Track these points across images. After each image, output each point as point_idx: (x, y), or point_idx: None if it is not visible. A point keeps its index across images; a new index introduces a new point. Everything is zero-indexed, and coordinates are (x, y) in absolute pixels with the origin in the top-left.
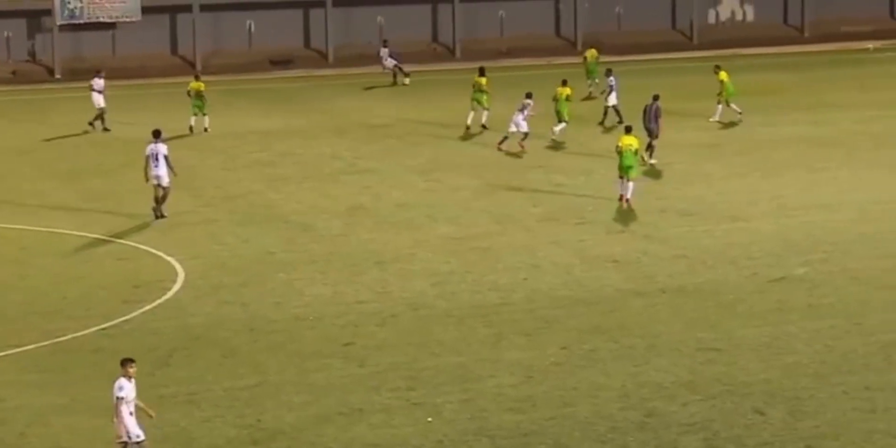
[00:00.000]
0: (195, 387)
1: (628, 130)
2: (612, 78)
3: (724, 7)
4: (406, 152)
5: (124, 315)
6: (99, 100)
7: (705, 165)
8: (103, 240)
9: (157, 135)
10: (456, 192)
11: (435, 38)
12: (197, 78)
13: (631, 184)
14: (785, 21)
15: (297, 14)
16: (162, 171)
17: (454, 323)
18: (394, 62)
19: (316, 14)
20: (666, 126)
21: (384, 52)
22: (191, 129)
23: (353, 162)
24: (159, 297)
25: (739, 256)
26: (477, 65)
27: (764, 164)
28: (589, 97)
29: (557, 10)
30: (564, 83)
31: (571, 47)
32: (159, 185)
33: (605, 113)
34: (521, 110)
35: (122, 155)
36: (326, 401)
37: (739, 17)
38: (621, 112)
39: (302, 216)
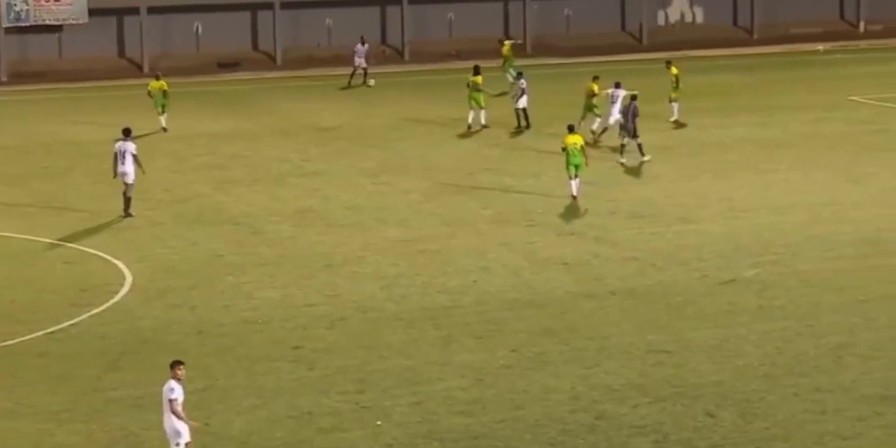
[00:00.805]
0: (143, 390)
1: (571, 129)
2: (522, 81)
3: (674, 9)
4: (355, 155)
5: (72, 319)
6: None
7: (655, 167)
8: (51, 243)
9: (126, 133)
10: (405, 195)
11: (384, 41)
12: (157, 78)
13: (578, 180)
14: (734, 23)
15: (244, 16)
16: (129, 168)
17: (403, 326)
18: (363, 63)
19: (264, 16)
20: (614, 128)
21: (360, 49)
22: (164, 129)
23: (302, 164)
24: (107, 301)
25: (689, 258)
26: (426, 67)
27: (714, 165)
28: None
29: (506, 13)
30: (595, 78)
31: (520, 49)
32: (124, 183)
33: (518, 116)
34: (614, 102)
35: (69, 158)
36: (275, 404)
37: (689, 18)
38: (529, 117)
39: (251, 219)
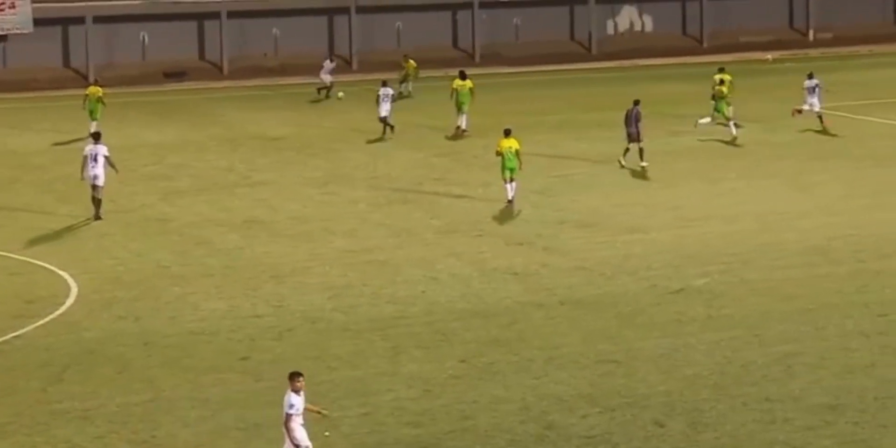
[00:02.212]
0: (89, 403)
1: (507, 133)
2: (388, 89)
3: (623, 18)
4: (302, 164)
5: (16, 330)
6: None
7: (603, 176)
8: None
9: (97, 137)
10: (353, 205)
11: (331, 50)
12: (94, 83)
13: (514, 184)
14: (684, 31)
15: (191, 26)
16: (99, 170)
17: (351, 336)
18: (331, 79)
19: (210, 26)
20: (564, 137)
21: (328, 66)
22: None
23: (249, 174)
24: (52, 312)
25: (638, 268)
26: (374, 76)
27: (662, 174)
28: (403, 96)
29: (454, 22)
30: (722, 81)
31: (469, 59)
32: (95, 185)
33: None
34: (812, 91)
35: (13, 168)
36: (223, 416)
37: (638, 27)
38: (390, 124)
39: (197, 229)
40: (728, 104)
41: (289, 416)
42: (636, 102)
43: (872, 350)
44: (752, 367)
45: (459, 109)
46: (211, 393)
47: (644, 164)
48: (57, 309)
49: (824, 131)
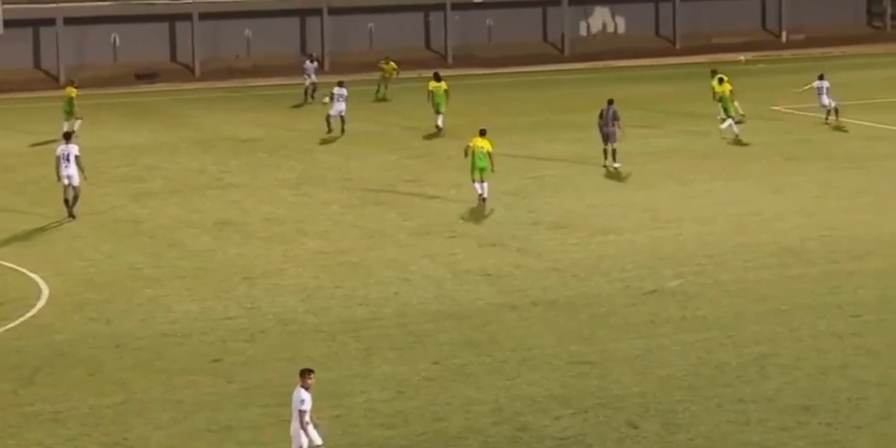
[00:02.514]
0: (60, 405)
1: (482, 133)
2: (343, 89)
3: (596, 19)
4: (275, 166)
5: None
6: None
7: (577, 178)
8: None
9: (67, 137)
10: (326, 207)
11: (303, 51)
12: (70, 83)
13: (486, 183)
14: (657, 33)
15: (162, 27)
16: (73, 170)
17: (324, 338)
18: (314, 79)
19: (182, 27)
20: (537, 139)
21: (310, 67)
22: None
23: (221, 176)
24: (23, 315)
25: (612, 269)
26: (347, 78)
27: (636, 176)
28: (380, 99)
29: (427, 23)
30: (721, 80)
31: (441, 60)
32: (70, 185)
33: (336, 121)
34: (821, 93)
35: None
36: (194, 418)
37: (611, 29)
38: (346, 122)
39: (169, 231)
40: (733, 100)
41: (302, 413)
42: (610, 102)
43: (846, 351)
44: (725, 369)
45: (437, 111)
46: (183, 395)
47: (617, 165)
48: (28, 311)
49: (837, 128)
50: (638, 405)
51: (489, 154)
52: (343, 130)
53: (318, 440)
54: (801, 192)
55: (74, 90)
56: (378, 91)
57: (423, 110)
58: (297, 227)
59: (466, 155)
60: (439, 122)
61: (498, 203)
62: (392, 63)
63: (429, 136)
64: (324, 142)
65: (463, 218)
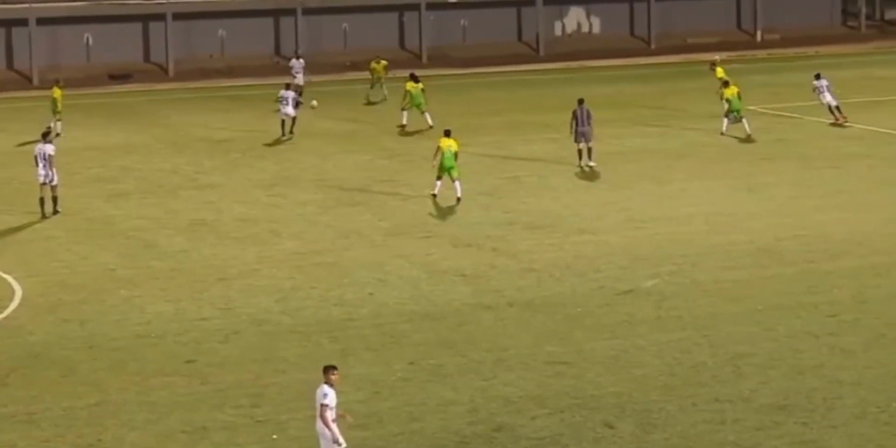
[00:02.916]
0: (34, 406)
1: (447, 134)
2: (289, 92)
3: (571, 19)
4: (249, 167)
5: None
6: None
7: (552, 178)
8: None
9: (45, 135)
10: (300, 207)
11: (277, 52)
12: (56, 84)
13: (457, 183)
14: (632, 33)
15: (136, 27)
16: (49, 169)
17: (299, 339)
18: (302, 79)
19: (156, 27)
20: (512, 139)
21: (297, 65)
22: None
23: (195, 177)
24: None
25: (587, 269)
26: (321, 78)
27: (611, 176)
28: (372, 102)
29: (402, 23)
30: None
31: (416, 60)
32: (46, 184)
33: (291, 124)
34: (822, 92)
35: None
36: (169, 419)
37: (586, 28)
38: (296, 126)
39: (143, 232)
40: (740, 98)
41: (324, 408)
42: (581, 101)
43: (821, 351)
44: (701, 368)
45: (421, 110)
46: (157, 396)
47: (592, 164)
48: (1, 313)
49: (838, 124)
50: (614, 405)
51: (456, 154)
52: (291, 132)
53: (341, 440)
54: (776, 192)
55: (59, 90)
56: (371, 91)
57: (397, 109)
58: (271, 228)
59: (436, 157)
60: (429, 120)
61: (473, 203)
62: (383, 61)
63: (404, 136)
64: (298, 142)
65: (438, 218)
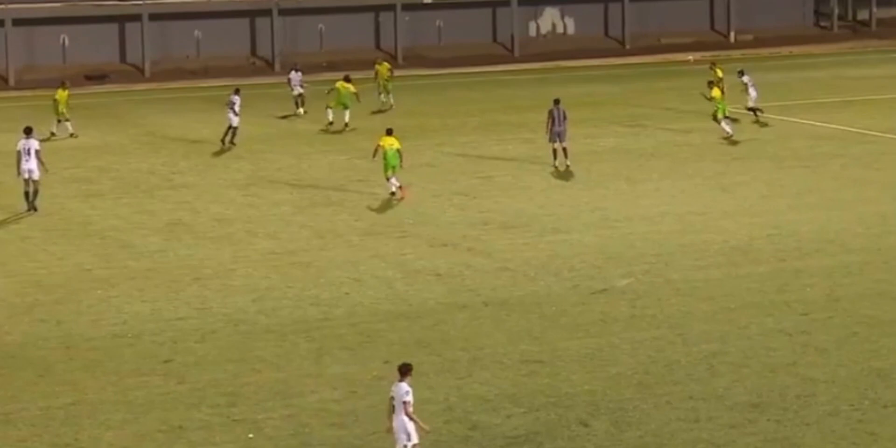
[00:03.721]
0: (10, 406)
1: (389, 132)
2: (236, 97)
3: (545, 20)
4: (225, 167)
5: None
6: None
7: (526, 178)
8: None
9: (28, 131)
10: (276, 207)
11: (254, 52)
12: (61, 85)
13: (394, 179)
14: (606, 33)
15: (112, 28)
16: (33, 165)
17: (275, 338)
18: (300, 91)
19: (132, 28)
20: (487, 139)
21: (295, 77)
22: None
23: (171, 177)
24: None
25: (562, 268)
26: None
27: (585, 176)
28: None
29: (377, 24)
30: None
31: (392, 60)
32: (30, 179)
33: (232, 134)
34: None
35: None
36: (146, 419)
37: (560, 29)
38: (237, 135)
39: (119, 232)
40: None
41: (406, 404)
42: (557, 101)
43: (794, 349)
44: (675, 367)
45: (344, 107)
46: (134, 396)
47: (568, 162)
48: None
49: (758, 123)
50: (588, 403)
51: (399, 151)
52: (232, 142)
53: (415, 436)
54: (748, 191)
55: (65, 92)
56: (381, 98)
57: (369, 109)
58: (247, 228)
59: (375, 156)
60: (346, 118)
61: (448, 203)
62: (386, 63)
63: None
64: (274, 142)
65: (413, 218)
